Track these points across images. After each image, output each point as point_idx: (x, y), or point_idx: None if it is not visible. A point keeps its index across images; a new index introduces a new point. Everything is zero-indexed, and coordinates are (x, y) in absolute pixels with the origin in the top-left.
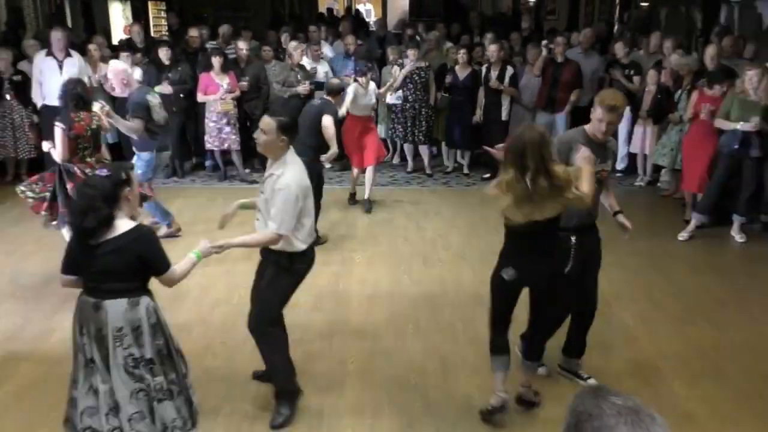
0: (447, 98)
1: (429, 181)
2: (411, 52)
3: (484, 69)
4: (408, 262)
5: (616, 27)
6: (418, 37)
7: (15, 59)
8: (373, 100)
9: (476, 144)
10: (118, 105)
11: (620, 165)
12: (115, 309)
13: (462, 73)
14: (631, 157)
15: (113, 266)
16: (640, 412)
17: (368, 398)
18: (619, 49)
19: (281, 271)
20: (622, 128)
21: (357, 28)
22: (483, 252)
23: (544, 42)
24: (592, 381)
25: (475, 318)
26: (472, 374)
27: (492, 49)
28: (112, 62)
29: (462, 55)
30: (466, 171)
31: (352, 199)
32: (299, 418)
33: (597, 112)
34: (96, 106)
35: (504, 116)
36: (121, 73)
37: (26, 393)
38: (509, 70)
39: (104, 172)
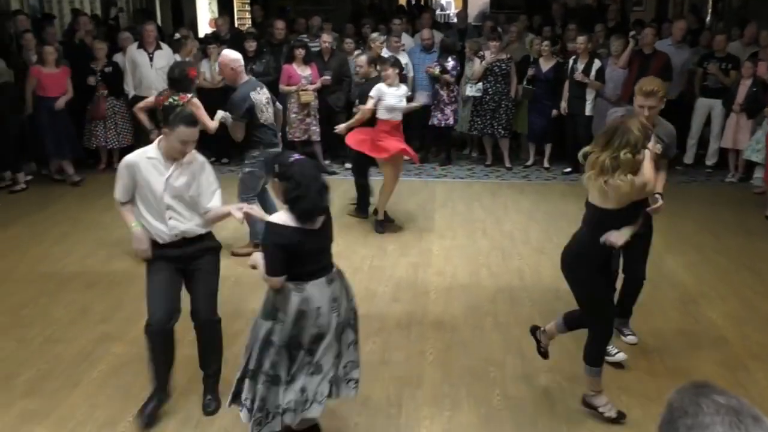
0: (530, 89)
1: (508, 174)
2: (492, 44)
3: (570, 61)
4: (486, 255)
5: (708, 18)
6: (500, 29)
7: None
8: (403, 102)
9: (558, 138)
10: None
11: (710, 160)
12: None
13: (545, 65)
14: (722, 152)
15: (329, 241)
16: (741, 412)
17: (446, 390)
18: (720, 42)
19: None
20: (715, 123)
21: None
22: (563, 247)
23: (631, 33)
24: (620, 356)
25: (553, 312)
26: (552, 371)
27: (580, 41)
28: (225, 51)
29: (545, 46)
30: (546, 165)
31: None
32: (378, 407)
33: (637, 99)
34: (218, 115)
35: (588, 110)
36: (233, 62)
37: (118, 372)
38: (596, 63)
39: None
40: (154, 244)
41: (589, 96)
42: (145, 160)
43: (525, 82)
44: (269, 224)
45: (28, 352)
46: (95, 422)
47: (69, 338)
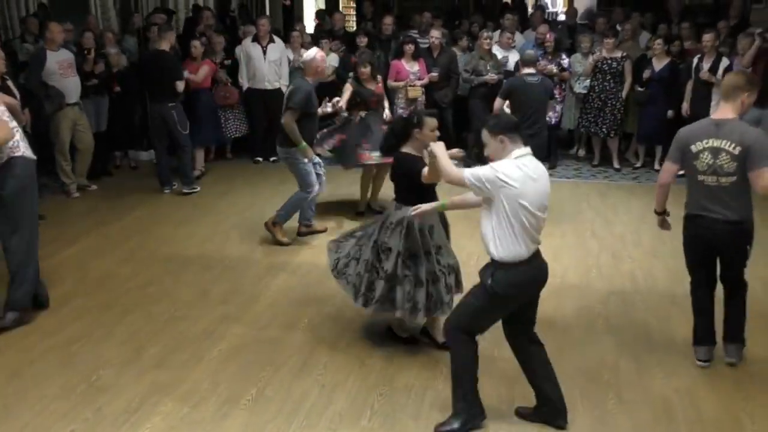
0: (645, 92)
1: (616, 175)
2: (606, 41)
3: (695, 60)
4: (596, 256)
5: None
6: (618, 26)
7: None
8: None
9: (669, 139)
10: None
11: None
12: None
13: (658, 64)
14: None
15: None
16: None
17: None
18: None
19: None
20: None
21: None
22: (677, 251)
23: (758, 30)
24: None
25: (670, 318)
26: (668, 376)
27: (706, 39)
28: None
29: (657, 45)
30: (657, 167)
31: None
32: (489, 404)
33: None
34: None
35: (713, 111)
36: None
37: (238, 353)
38: (724, 62)
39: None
40: None
41: (715, 96)
42: None
43: (639, 85)
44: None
45: (155, 328)
46: (218, 397)
47: (192, 317)
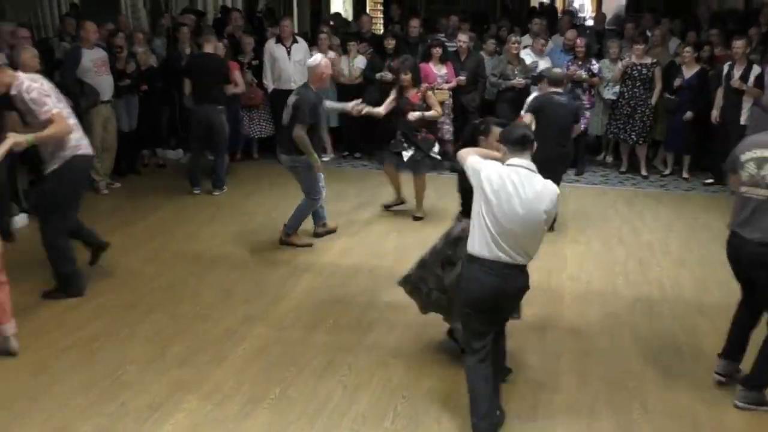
0: (673, 100)
1: (644, 182)
2: (636, 47)
3: (725, 67)
4: (623, 263)
5: None
6: (648, 32)
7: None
8: None
9: (697, 147)
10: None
11: None
12: None
13: (688, 71)
14: None
15: None
16: None
17: (583, 397)
18: None
19: None
20: None
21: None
22: (705, 260)
23: None
24: None
25: (696, 328)
26: (696, 388)
27: (737, 45)
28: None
29: (687, 52)
30: (685, 175)
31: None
32: (513, 408)
33: None
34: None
35: (743, 120)
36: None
37: (260, 352)
38: (755, 69)
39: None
40: None
41: (746, 104)
42: None
43: (668, 92)
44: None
45: (179, 327)
46: (242, 397)
47: (216, 316)
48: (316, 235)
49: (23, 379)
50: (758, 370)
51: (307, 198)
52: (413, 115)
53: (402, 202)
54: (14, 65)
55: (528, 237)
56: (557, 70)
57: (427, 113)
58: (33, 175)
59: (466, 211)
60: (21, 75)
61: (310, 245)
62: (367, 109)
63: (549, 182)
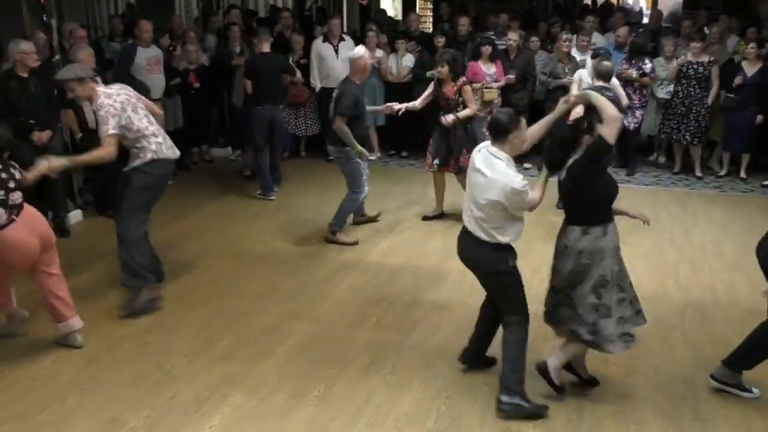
0: (732, 99)
1: (698, 183)
2: (693, 45)
3: None
4: (674, 266)
5: None
6: (706, 29)
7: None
8: None
9: (760, 147)
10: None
11: None
12: None
13: (750, 69)
14: None
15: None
16: None
17: (631, 403)
18: None
19: None
20: None
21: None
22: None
23: None
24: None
25: None
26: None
27: None
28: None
29: (750, 49)
30: (743, 175)
31: None
32: (558, 411)
33: None
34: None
35: None
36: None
37: (304, 349)
38: None
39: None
40: (512, 248)
41: None
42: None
43: (726, 91)
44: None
45: (225, 321)
46: (285, 392)
47: (260, 312)
48: (356, 223)
49: (76, 371)
50: (741, 352)
51: (350, 192)
52: (446, 120)
53: (442, 214)
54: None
55: (478, 211)
56: (606, 63)
57: (460, 113)
58: (88, 172)
59: (573, 219)
60: (100, 90)
61: (355, 243)
62: (402, 106)
63: (509, 174)
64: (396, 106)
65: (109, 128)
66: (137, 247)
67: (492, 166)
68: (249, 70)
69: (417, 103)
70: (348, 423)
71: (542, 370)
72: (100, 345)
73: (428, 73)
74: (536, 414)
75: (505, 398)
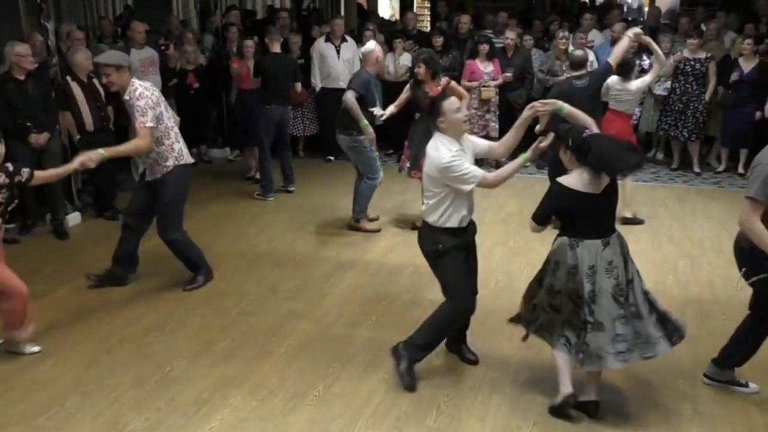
0: (730, 95)
1: (696, 179)
2: (690, 42)
3: None
4: (673, 262)
5: None
6: (703, 26)
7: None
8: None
9: (758, 143)
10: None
11: None
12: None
13: (747, 65)
14: None
15: (611, 206)
16: None
17: (631, 398)
18: None
19: None
20: None
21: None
22: None
23: None
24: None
25: None
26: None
27: None
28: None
29: (746, 45)
30: (741, 171)
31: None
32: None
33: None
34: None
35: None
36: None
37: (306, 348)
38: None
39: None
40: (455, 233)
41: None
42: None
43: (724, 87)
44: (557, 183)
45: (225, 321)
46: (286, 392)
47: (261, 312)
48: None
49: (75, 374)
50: (728, 350)
51: (365, 178)
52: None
53: None
54: (68, 66)
55: (425, 190)
56: (579, 52)
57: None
58: (86, 174)
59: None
60: (136, 81)
61: (378, 230)
62: (382, 113)
63: (440, 150)
64: (377, 111)
65: (147, 120)
66: (187, 246)
67: (437, 141)
68: (259, 70)
69: (393, 108)
70: (348, 422)
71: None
72: (99, 347)
73: None
74: (407, 384)
75: (402, 350)
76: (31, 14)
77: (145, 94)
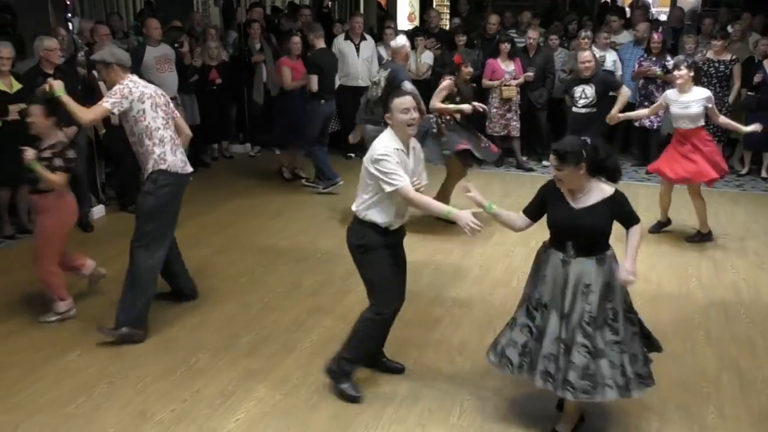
0: (754, 97)
1: (719, 182)
2: (715, 43)
3: None
4: (696, 265)
5: None
6: (730, 28)
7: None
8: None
9: None
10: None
11: None
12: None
13: None
14: None
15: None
16: None
17: (654, 400)
18: None
19: None
20: None
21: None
22: None
23: None
24: None
25: None
26: None
27: None
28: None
29: None
30: (764, 174)
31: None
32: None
33: None
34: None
35: None
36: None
37: (329, 344)
38: None
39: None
40: (382, 232)
41: None
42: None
43: (747, 89)
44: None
45: (249, 317)
46: (309, 387)
47: (283, 307)
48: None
49: (102, 364)
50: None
51: None
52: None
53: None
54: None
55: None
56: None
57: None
58: (110, 167)
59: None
60: (135, 78)
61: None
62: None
63: (380, 141)
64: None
65: (109, 102)
66: (142, 276)
67: (380, 134)
68: (313, 66)
69: (436, 104)
70: (371, 418)
71: None
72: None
73: None
74: (352, 399)
75: (332, 365)
76: (57, 9)
77: (125, 84)
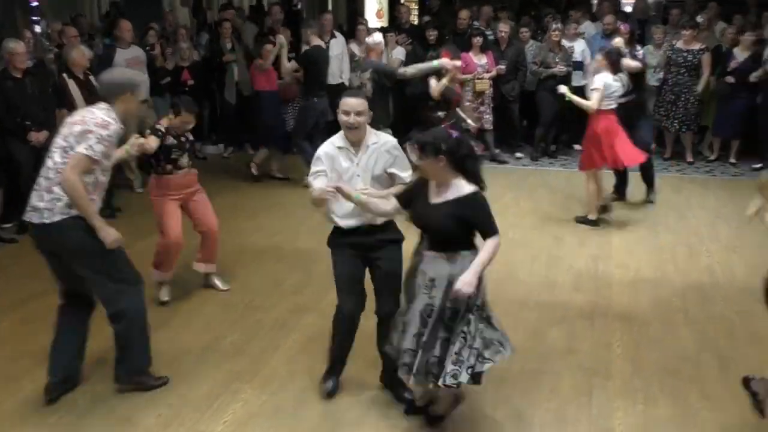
0: (727, 84)
1: (689, 168)
2: (684, 33)
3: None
4: (671, 250)
5: None
6: (699, 17)
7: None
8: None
9: (748, 132)
10: None
11: None
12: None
13: (741, 55)
14: None
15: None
16: None
17: (638, 383)
18: None
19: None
20: None
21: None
22: (758, 246)
23: None
24: None
25: (753, 313)
26: (753, 371)
27: None
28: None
29: (749, 36)
30: (732, 160)
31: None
32: (567, 395)
33: None
34: None
35: None
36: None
37: (313, 341)
38: None
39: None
40: (340, 231)
41: None
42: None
43: (718, 75)
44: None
45: (232, 317)
46: (295, 386)
47: (266, 306)
48: None
49: (85, 371)
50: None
51: None
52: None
53: None
54: (63, 64)
55: None
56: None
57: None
58: None
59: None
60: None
61: None
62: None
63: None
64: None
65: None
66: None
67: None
68: (307, 62)
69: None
70: (360, 414)
71: None
72: (105, 345)
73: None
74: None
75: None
76: (24, 12)
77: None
